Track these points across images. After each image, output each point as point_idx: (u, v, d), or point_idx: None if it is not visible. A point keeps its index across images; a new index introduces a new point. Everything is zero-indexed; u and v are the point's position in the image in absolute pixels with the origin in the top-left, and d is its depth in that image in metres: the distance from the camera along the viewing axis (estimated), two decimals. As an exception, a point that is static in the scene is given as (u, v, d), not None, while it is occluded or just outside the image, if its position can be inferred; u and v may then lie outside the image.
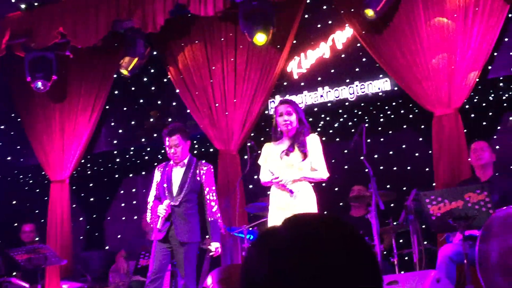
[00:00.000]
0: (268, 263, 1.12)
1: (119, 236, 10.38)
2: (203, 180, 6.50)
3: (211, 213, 6.46)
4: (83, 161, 9.84)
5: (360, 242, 1.17)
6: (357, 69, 8.58)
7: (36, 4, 9.23)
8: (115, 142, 9.75)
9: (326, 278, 1.08)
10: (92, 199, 10.53)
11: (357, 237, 1.17)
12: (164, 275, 6.54)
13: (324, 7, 8.86)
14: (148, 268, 6.51)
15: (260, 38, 8.24)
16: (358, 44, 8.44)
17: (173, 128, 6.58)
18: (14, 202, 10.15)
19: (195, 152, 10.03)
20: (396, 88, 8.28)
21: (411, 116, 8.90)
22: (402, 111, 8.93)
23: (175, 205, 6.37)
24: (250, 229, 7.41)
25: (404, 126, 9.24)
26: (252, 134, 8.74)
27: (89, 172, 10.62)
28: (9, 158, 10.13)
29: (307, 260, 1.09)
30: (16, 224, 9.66)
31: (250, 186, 8.92)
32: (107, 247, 10.34)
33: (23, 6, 9.22)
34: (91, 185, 10.58)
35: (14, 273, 8.80)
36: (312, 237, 1.13)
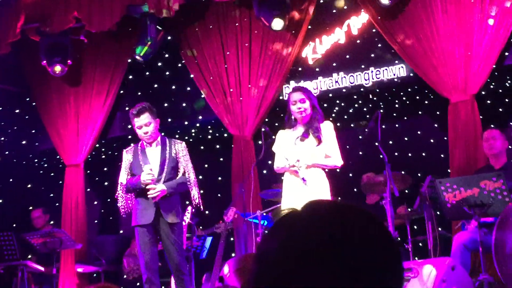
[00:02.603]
0: (285, 246, 1.11)
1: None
2: (180, 157, 6.39)
3: (192, 187, 6.36)
4: (97, 145, 9.87)
5: (381, 228, 1.16)
6: (372, 55, 8.54)
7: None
8: (129, 126, 9.75)
9: (345, 263, 1.07)
10: (106, 184, 10.55)
11: (377, 223, 1.16)
12: (158, 264, 6.39)
13: (340, -8, 8.81)
14: (140, 256, 6.31)
15: (278, 24, 8.21)
16: (374, 30, 8.40)
17: (140, 108, 6.38)
18: (29, 186, 10.20)
19: (209, 137, 10.04)
20: (411, 74, 8.23)
21: (426, 102, 8.85)
22: (417, 97, 8.88)
23: (158, 179, 6.23)
24: (264, 215, 7.41)
25: (420, 113, 9.19)
26: (266, 120, 8.73)
27: (103, 157, 10.65)
28: (24, 142, 10.17)
29: (326, 244, 1.08)
30: (31, 208, 9.71)
31: (264, 172, 8.91)
32: (121, 232, 10.38)
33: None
34: (105, 169, 10.61)
35: (29, 257, 8.87)
36: (332, 221, 1.12)
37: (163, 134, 6.60)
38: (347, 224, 1.12)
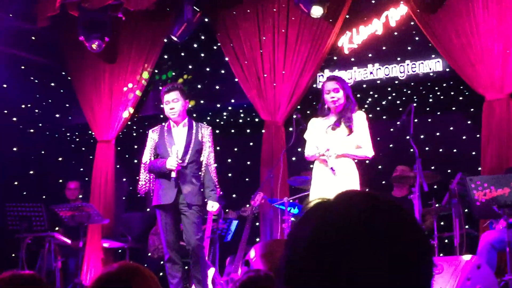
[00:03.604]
0: (318, 234, 1.11)
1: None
2: (205, 142, 6.42)
3: (211, 173, 6.39)
4: (129, 123, 9.93)
5: (413, 221, 1.16)
6: (409, 48, 8.47)
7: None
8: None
9: (378, 253, 1.07)
10: (136, 161, 10.63)
11: (409, 216, 1.16)
12: (179, 243, 6.45)
13: (380, -18, 8.74)
14: (162, 236, 6.40)
15: (317, 11, 8.18)
16: (412, 23, 8.32)
17: (172, 86, 6.53)
18: (60, 159, 10.31)
19: (240, 121, 10.05)
20: (448, 70, 8.16)
21: (461, 98, 8.77)
22: (452, 93, 8.80)
23: (183, 166, 6.27)
24: (291, 201, 7.42)
25: (453, 109, 9.11)
26: (299, 107, 8.71)
27: (134, 134, 10.72)
28: (57, 115, 10.27)
29: (359, 234, 1.09)
30: (61, 181, 9.82)
31: (294, 159, 8.91)
32: (148, 210, 10.46)
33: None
34: (135, 147, 10.68)
35: (57, 229, 8.98)
36: (365, 211, 1.12)
37: (194, 115, 6.63)
38: (381, 215, 1.12)
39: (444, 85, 8.67)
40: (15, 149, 9.69)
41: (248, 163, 9.81)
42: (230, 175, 9.73)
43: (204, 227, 6.54)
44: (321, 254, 1.09)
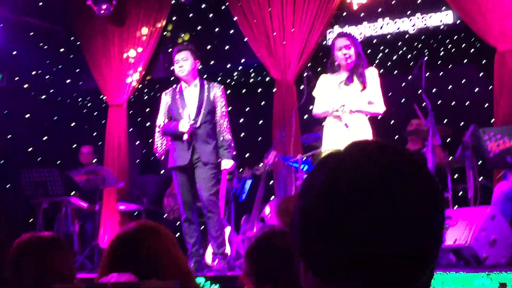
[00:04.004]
0: (330, 184, 1.12)
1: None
2: (217, 101, 6.46)
3: (225, 132, 6.44)
4: (140, 86, 9.94)
5: (424, 169, 1.16)
6: (418, 1, 8.38)
7: None
8: (172, 68, 9.77)
9: (387, 202, 1.08)
10: (148, 124, 10.65)
11: (423, 166, 1.16)
12: (196, 203, 6.54)
13: None
14: (179, 197, 6.48)
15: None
16: (421, -26, 8.22)
17: (182, 46, 6.61)
18: (72, 124, 10.35)
19: (251, 80, 10.03)
20: (458, 22, 8.07)
21: (472, 50, 8.69)
22: (463, 45, 8.72)
23: (195, 127, 6.32)
24: (304, 159, 7.43)
25: (465, 61, 9.04)
26: (309, 65, 8.67)
27: (146, 97, 10.74)
28: (68, 81, 10.29)
29: (368, 184, 1.09)
30: (74, 146, 9.88)
31: (305, 117, 8.90)
32: (162, 172, 10.51)
33: None
34: (147, 110, 10.70)
35: (73, 193, 9.06)
36: (375, 160, 1.12)
37: (205, 76, 6.63)
38: (392, 164, 1.13)
39: (455, 37, 8.59)
40: (27, 116, 9.73)
41: (260, 122, 9.81)
42: (242, 135, 9.74)
43: (218, 186, 6.58)
44: (333, 204, 1.09)
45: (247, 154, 9.46)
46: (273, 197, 8.47)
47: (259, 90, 10.06)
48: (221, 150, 6.42)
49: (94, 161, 9.59)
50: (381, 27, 8.50)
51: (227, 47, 9.50)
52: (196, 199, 6.49)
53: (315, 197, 1.13)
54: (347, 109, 5.93)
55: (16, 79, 9.70)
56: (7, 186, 9.18)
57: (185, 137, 6.24)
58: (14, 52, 9.48)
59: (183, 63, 6.43)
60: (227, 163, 6.43)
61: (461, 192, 7.70)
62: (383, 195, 1.08)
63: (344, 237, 1.08)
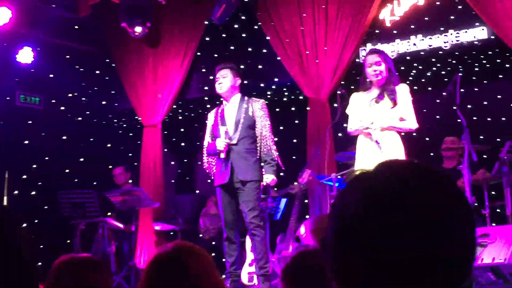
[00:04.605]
0: (362, 203, 1.13)
1: (209, 181, 10.56)
2: (257, 115, 6.43)
3: (267, 148, 6.40)
4: (174, 106, 10.02)
5: (455, 190, 1.16)
6: (452, 17, 8.34)
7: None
8: (206, 88, 9.85)
9: (418, 223, 1.08)
10: (183, 144, 10.72)
11: (453, 185, 1.16)
12: (239, 223, 6.50)
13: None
14: (221, 215, 6.47)
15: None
16: (454, -9, 8.19)
17: (224, 63, 6.63)
18: (108, 145, 10.46)
19: (285, 99, 10.05)
20: (492, 37, 8.01)
21: (507, 65, 8.62)
22: (498, 61, 8.65)
23: (233, 144, 6.31)
24: (339, 177, 7.41)
25: (500, 76, 8.96)
26: (342, 83, 8.66)
27: (180, 118, 10.81)
28: (104, 102, 10.42)
29: (399, 203, 1.09)
30: (110, 167, 9.97)
31: (340, 135, 8.88)
32: (197, 191, 10.56)
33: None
34: (182, 130, 10.77)
35: (109, 214, 9.13)
36: (405, 181, 1.13)
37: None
38: (421, 182, 1.13)
39: (490, 53, 8.52)
40: (64, 137, 9.86)
41: (294, 141, 9.81)
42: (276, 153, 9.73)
43: (262, 205, 6.57)
44: (365, 224, 1.10)
45: (281, 173, 9.45)
46: (308, 216, 8.45)
47: (293, 108, 10.07)
48: (264, 165, 6.43)
49: (129, 181, 9.67)
50: (414, 44, 8.47)
51: (260, 66, 9.55)
52: (239, 219, 6.50)
53: (347, 218, 1.14)
54: (377, 126, 5.91)
55: (52, 101, 9.86)
56: (45, 208, 9.29)
57: (222, 155, 6.27)
58: (51, 75, 9.64)
59: (222, 80, 6.49)
60: (267, 178, 6.42)
61: (498, 210, 7.60)
62: (412, 214, 1.08)
63: (376, 258, 1.08)
